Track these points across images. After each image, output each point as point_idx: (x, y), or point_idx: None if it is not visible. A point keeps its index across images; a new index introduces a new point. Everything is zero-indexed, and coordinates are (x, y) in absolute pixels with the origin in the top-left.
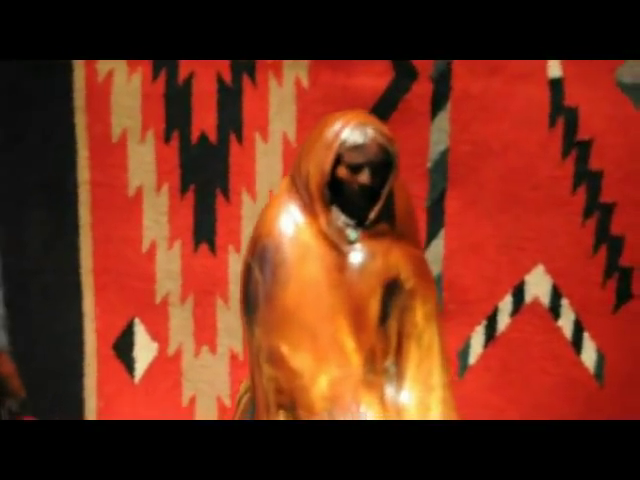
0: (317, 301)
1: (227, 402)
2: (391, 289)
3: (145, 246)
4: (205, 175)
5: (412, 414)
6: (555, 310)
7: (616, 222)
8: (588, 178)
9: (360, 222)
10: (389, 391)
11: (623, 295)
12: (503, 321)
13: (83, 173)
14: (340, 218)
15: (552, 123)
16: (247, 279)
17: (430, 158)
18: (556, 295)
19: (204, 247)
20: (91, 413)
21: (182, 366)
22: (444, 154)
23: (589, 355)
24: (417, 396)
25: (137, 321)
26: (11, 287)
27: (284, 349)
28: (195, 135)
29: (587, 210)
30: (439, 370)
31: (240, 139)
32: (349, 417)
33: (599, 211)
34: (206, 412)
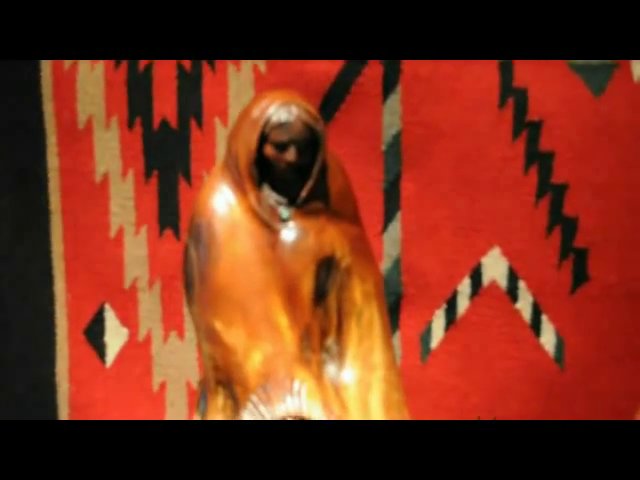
0: (249, 278)
1: (196, 387)
2: (327, 267)
3: (113, 232)
4: (167, 160)
5: (352, 392)
6: (512, 292)
7: (569, 203)
8: (539, 159)
9: (292, 200)
10: (331, 370)
11: (579, 276)
12: (462, 304)
13: (52, 160)
14: (272, 196)
15: (502, 104)
16: (185, 258)
17: (384, 141)
18: (513, 277)
19: (169, 232)
20: (63, 397)
21: (152, 352)
22: (397, 137)
23: (548, 338)
24: (358, 374)
25: (107, 307)
26: None
27: (218, 326)
28: (157, 121)
29: (539, 191)
30: (380, 348)
31: (200, 124)
32: (282, 393)
33: (551, 192)
34: (176, 397)
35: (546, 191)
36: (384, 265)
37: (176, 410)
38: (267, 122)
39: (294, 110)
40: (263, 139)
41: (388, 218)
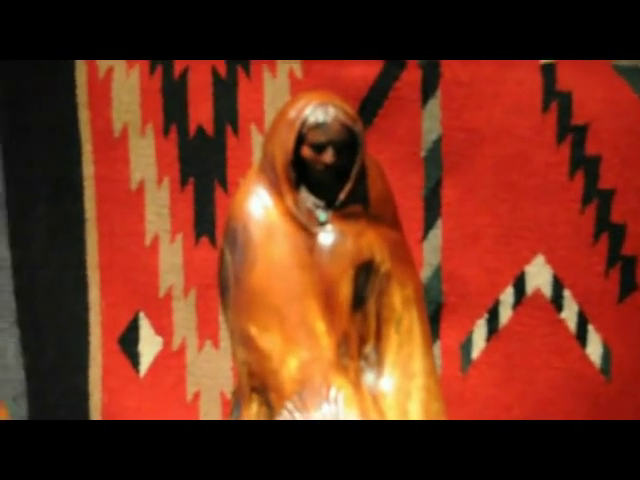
0: (285, 282)
1: (230, 397)
2: (366, 272)
3: (148, 240)
4: (203, 168)
5: (391, 401)
6: (557, 301)
7: (616, 209)
8: (585, 164)
9: (330, 203)
10: (369, 377)
11: (627, 285)
12: (505, 314)
13: (88, 168)
14: (309, 199)
15: (545, 108)
16: (220, 262)
17: (424, 147)
18: (558, 286)
19: (205, 240)
20: (96, 407)
21: (186, 361)
22: (437, 142)
23: (595, 349)
24: (397, 382)
25: (142, 315)
26: (18, 281)
27: (253, 331)
28: (192, 128)
29: (586, 197)
30: (420, 356)
31: (236, 131)
32: (318, 400)
33: (598, 198)
34: (210, 407)
35: (592, 197)
36: (424, 273)
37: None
38: (304, 123)
39: (331, 111)
40: (300, 140)
41: (428, 225)
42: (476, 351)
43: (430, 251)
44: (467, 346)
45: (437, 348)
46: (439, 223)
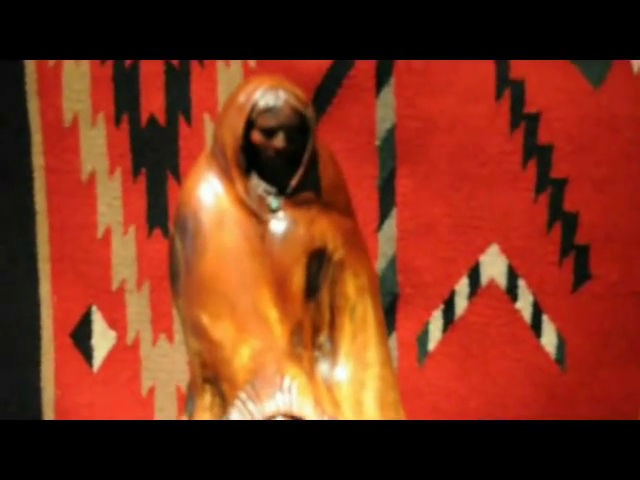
0: (237, 270)
1: (185, 391)
2: (318, 260)
3: (100, 232)
4: (156, 158)
5: (345, 391)
6: (512, 291)
7: (569, 198)
8: (538, 152)
9: (282, 190)
10: (323, 367)
11: (581, 274)
12: (461, 304)
13: (37, 158)
14: (260, 185)
15: (498, 96)
16: (171, 250)
17: (378, 136)
18: (512, 276)
19: (158, 232)
20: (48, 402)
21: (140, 355)
22: (391, 131)
23: (549, 339)
24: (351, 372)
25: (94, 309)
26: None
27: (205, 320)
28: (144, 118)
29: (539, 186)
30: (375, 345)
31: (189, 120)
32: (272, 390)
33: (551, 186)
34: (165, 402)
35: (545, 186)
36: (379, 264)
37: (165, 415)
38: (254, 107)
39: (282, 94)
40: (250, 125)
41: (383, 215)
42: (432, 342)
43: (385, 241)
44: (423, 337)
45: (393, 340)
46: (394, 213)
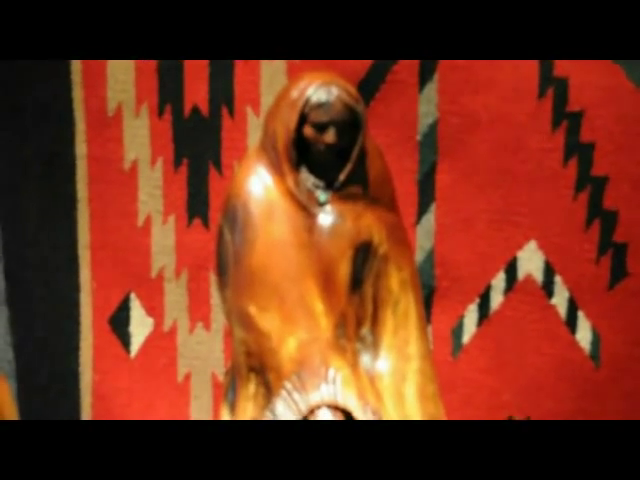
0: (285, 262)
1: (222, 379)
2: (364, 253)
3: (140, 220)
4: (198, 149)
5: (387, 383)
6: (548, 288)
7: (609, 196)
8: (579, 150)
9: (330, 184)
10: (365, 359)
11: (618, 272)
12: (496, 299)
13: (80, 147)
14: (310, 179)
15: (541, 94)
16: (219, 241)
17: (419, 131)
18: (549, 272)
19: (197, 221)
20: (86, 387)
21: (177, 342)
22: (433, 127)
23: (584, 335)
24: (393, 365)
25: (133, 296)
26: (8, 260)
27: (252, 310)
28: (187, 108)
29: (579, 184)
30: (416, 339)
31: (232, 112)
32: (317, 381)
33: (591, 184)
34: (201, 389)
35: (586, 184)
36: (417, 257)
37: (200, 402)
38: (307, 102)
39: (334, 90)
40: (302, 120)
41: (422, 210)
42: (467, 336)
43: (423, 235)
44: (458, 331)
45: (429, 332)
46: (433, 207)
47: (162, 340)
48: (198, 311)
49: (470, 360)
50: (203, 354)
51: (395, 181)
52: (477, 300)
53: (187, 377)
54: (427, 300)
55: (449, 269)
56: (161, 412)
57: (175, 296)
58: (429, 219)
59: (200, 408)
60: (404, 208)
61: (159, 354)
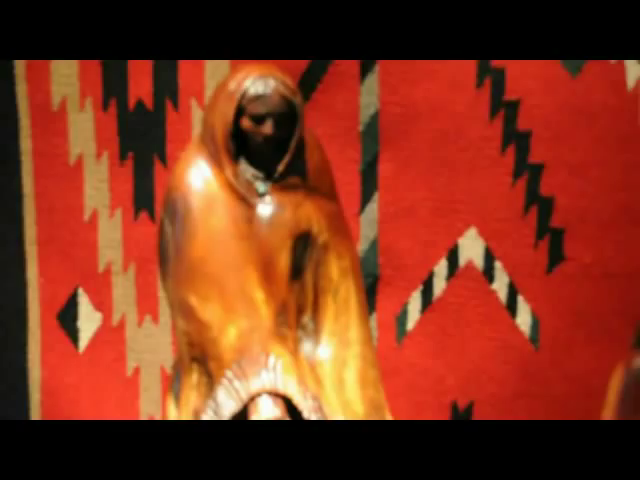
0: (224, 252)
1: (170, 371)
2: (303, 242)
3: (87, 215)
4: (143, 142)
5: (327, 369)
6: (489, 273)
7: (545, 183)
8: (517, 138)
9: (269, 175)
10: (307, 347)
11: (555, 256)
12: (439, 286)
13: (25, 142)
14: (249, 170)
15: (479, 84)
16: (160, 234)
17: (361, 121)
18: (489, 258)
19: (144, 215)
20: (35, 383)
21: (126, 336)
22: (375, 117)
23: (524, 319)
24: (333, 351)
25: (81, 291)
26: None
27: (193, 300)
28: (132, 102)
29: (517, 171)
30: (357, 325)
31: (176, 105)
32: (257, 368)
33: (528, 172)
34: (150, 382)
35: (523, 171)
36: (361, 246)
37: (149, 395)
38: (244, 94)
39: (271, 82)
40: (240, 112)
41: (365, 199)
42: (411, 322)
43: (367, 224)
44: (402, 317)
45: (373, 320)
46: (376, 197)
47: (111, 334)
48: (146, 304)
49: (414, 346)
50: (152, 347)
51: (338, 171)
52: (420, 287)
53: (136, 371)
54: (371, 288)
55: (392, 257)
56: (110, 406)
57: (123, 290)
58: (372, 208)
59: (149, 401)
60: (347, 198)
61: (108, 348)
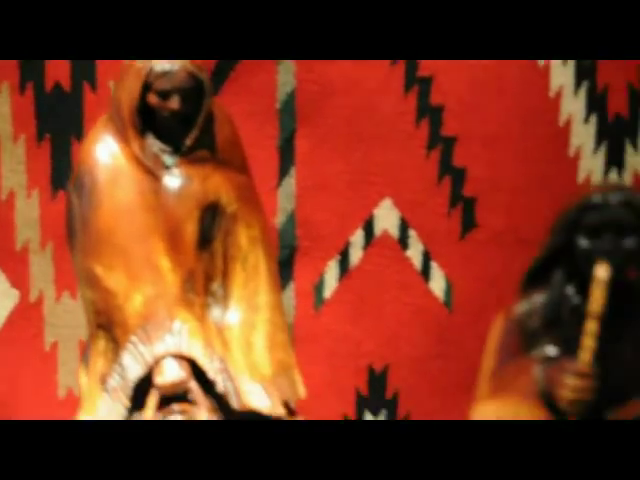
0: (131, 223)
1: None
2: (212, 213)
3: (4, 195)
4: (60, 124)
5: (236, 333)
6: (404, 242)
7: (458, 154)
8: (430, 112)
9: (178, 149)
10: (216, 313)
11: (468, 224)
12: (355, 255)
13: None
14: (156, 144)
15: (393, 61)
16: (68, 207)
17: (279, 99)
18: (404, 227)
19: (62, 194)
20: None
21: (44, 312)
22: (292, 95)
23: (438, 284)
24: (242, 316)
25: None
26: None
27: (98, 270)
28: (49, 85)
29: (430, 143)
30: (266, 291)
31: (94, 87)
32: (162, 333)
33: (442, 144)
34: (68, 356)
35: (436, 143)
36: (279, 219)
37: (68, 368)
38: (150, 71)
39: (178, 59)
40: (147, 88)
41: (283, 174)
42: (328, 290)
43: (285, 198)
44: (320, 286)
45: (291, 289)
46: (293, 171)
47: (28, 311)
48: (64, 281)
49: (332, 313)
50: (70, 322)
51: (256, 147)
52: (337, 257)
53: (54, 345)
54: (289, 259)
55: (310, 229)
56: (28, 381)
57: (41, 267)
58: (290, 182)
59: (68, 374)
60: (265, 173)
61: (26, 325)
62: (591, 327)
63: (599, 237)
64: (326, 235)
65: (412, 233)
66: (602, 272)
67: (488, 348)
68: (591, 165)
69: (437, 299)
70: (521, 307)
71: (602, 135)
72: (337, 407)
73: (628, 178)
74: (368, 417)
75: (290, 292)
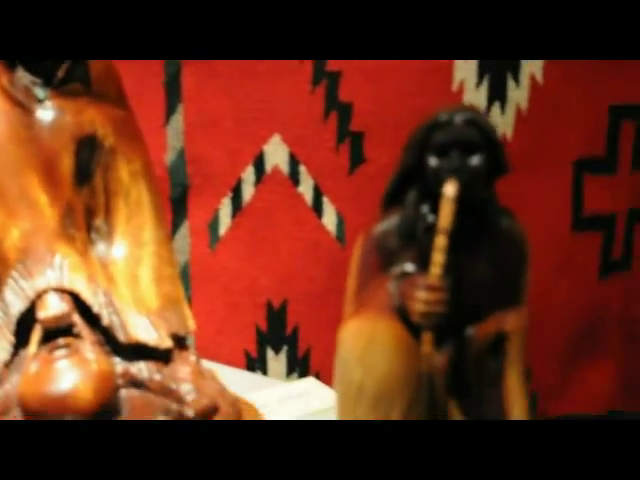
0: (3, 158)
1: None
2: (90, 147)
3: None
4: None
5: (121, 267)
6: (294, 177)
7: (343, 89)
8: None
9: (49, 81)
10: (100, 248)
11: (356, 159)
12: (248, 191)
13: None
14: (26, 77)
15: None
16: None
17: None
18: (294, 163)
19: None
20: None
21: None
22: None
23: (330, 219)
24: (127, 250)
25: None
26: None
27: None
28: None
29: (315, 78)
30: (151, 225)
31: None
32: (42, 267)
33: (326, 79)
34: None
35: (321, 78)
36: (169, 157)
37: None
38: None
39: None
40: None
41: (170, 111)
42: (223, 228)
43: (173, 135)
44: (214, 224)
45: (185, 228)
46: (180, 108)
47: None
48: None
49: (228, 250)
50: None
51: (142, 85)
52: (230, 194)
53: None
54: (182, 198)
55: (201, 166)
56: None
57: None
58: (178, 120)
59: None
60: (152, 110)
61: None
62: (440, 242)
63: (447, 155)
64: (217, 172)
65: (302, 169)
66: (450, 189)
67: (351, 269)
68: (474, 99)
69: (330, 234)
70: (379, 227)
71: (484, 70)
72: (238, 344)
73: (510, 112)
74: (270, 353)
75: (185, 231)
